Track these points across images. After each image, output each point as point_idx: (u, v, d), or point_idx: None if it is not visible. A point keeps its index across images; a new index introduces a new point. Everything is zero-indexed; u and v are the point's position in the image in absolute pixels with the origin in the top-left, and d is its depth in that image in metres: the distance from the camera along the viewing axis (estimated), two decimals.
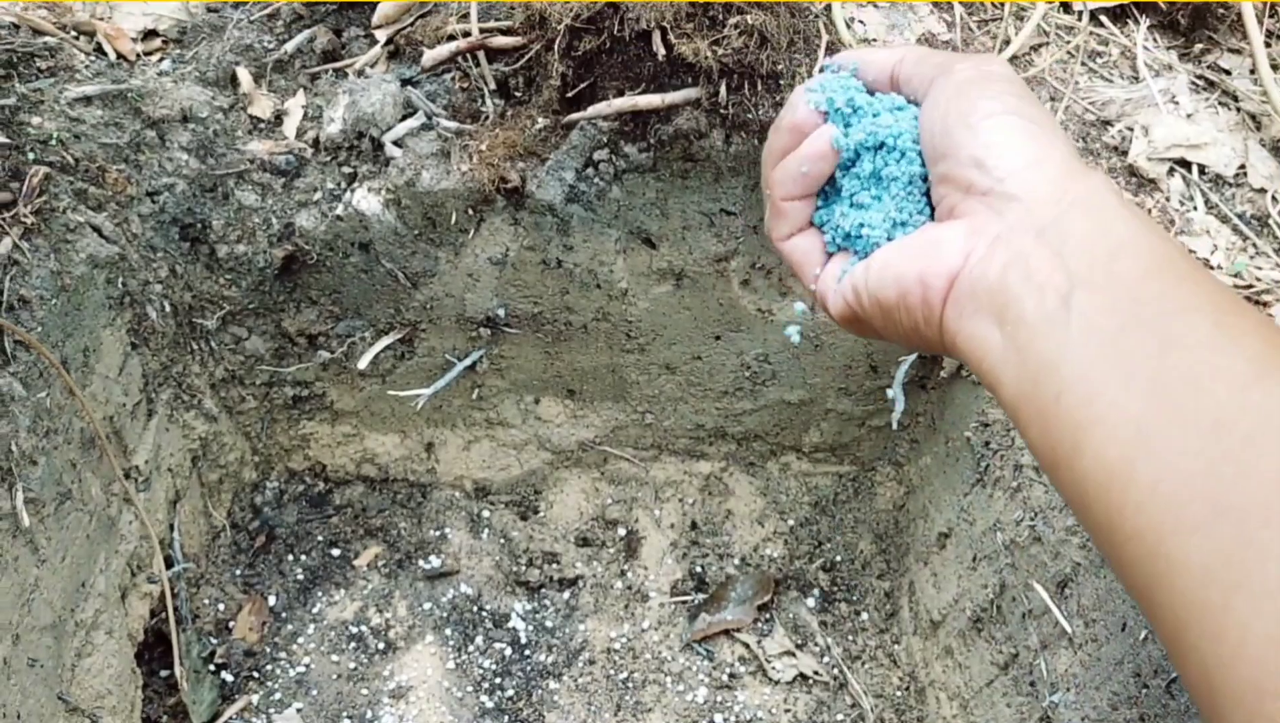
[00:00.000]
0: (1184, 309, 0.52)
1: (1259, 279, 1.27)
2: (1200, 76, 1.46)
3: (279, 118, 1.42)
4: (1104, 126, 1.39)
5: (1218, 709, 0.45)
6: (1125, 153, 1.36)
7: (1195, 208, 1.33)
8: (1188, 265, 0.55)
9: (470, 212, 1.41)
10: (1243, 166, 1.36)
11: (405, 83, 1.41)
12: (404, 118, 1.40)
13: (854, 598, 1.81)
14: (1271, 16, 1.49)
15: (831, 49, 1.35)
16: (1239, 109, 1.43)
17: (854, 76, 0.72)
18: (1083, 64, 1.44)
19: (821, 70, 0.75)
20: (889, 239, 0.66)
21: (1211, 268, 1.28)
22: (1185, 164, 1.37)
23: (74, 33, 1.37)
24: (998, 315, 0.57)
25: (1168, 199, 1.33)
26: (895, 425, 1.68)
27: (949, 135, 0.63)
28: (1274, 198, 1.33)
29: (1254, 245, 1.30)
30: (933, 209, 0.68)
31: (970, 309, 0.59)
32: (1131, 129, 1.38)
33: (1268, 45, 1.42)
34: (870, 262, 0.65)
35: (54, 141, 1.28)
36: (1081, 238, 0.56)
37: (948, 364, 1.59)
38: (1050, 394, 0.54)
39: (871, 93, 0.72)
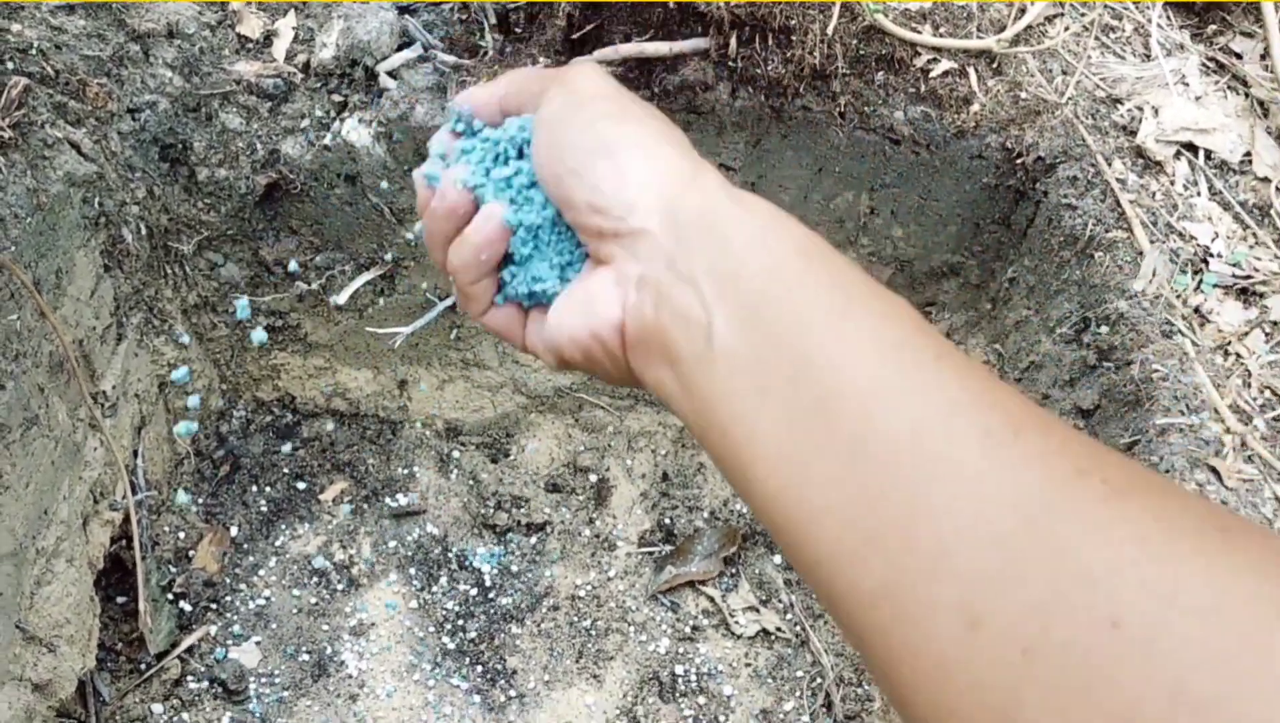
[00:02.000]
0: (802, 321, 0.51)
1: (1257, 269, 1.27)
2: (1211, 59, 1.44)
3: (268, 38, 1.36)
4: (1114, 105, 1.37)
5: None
6: (1134, 133, 1.35)
7: (1199, 193, 1.32)
8: (804, 261, 0.53)
9: None
10: (1248, 154, 1.35)
11: (403, 10, 1.35)
12: (400, 48, 1.35)
13: None
14: None
15: (847, 7, 1.31)
16: (1248, 94, 1.41)
17: (469, 120, 0.69)
18: (1096, 39, 1.42)
19: (448, 123, 0.70)
20: (564, 280, 0.65)
21: (1211, 256, 1.27)
22: (1192, 148, 1.35)
23: None
24: (666, 358, 0.56)
25: (1172, 183, 1.32)
26: None
27: (560, 185, 0.61)
28: (1277, 188, 1.32)
29: (1254, 235, 1.29)
30: None
31: (644, 355, 0.58)
32: (1141, 109, 1.36)
33: None
34: (547, 321, 0.64)
35: (34, 51, 1.22)
36: (706, 259, 0.54)
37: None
38: (717, 433, 0.53)
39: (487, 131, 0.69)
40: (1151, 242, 1.26)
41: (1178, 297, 1.23)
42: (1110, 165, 1.31)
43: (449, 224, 0.67)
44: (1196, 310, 1.22)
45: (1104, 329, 1.23)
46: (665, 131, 0.60)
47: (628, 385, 0.63)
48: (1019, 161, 1.36)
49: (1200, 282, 1.25)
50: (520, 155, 0.66)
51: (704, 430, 0.54)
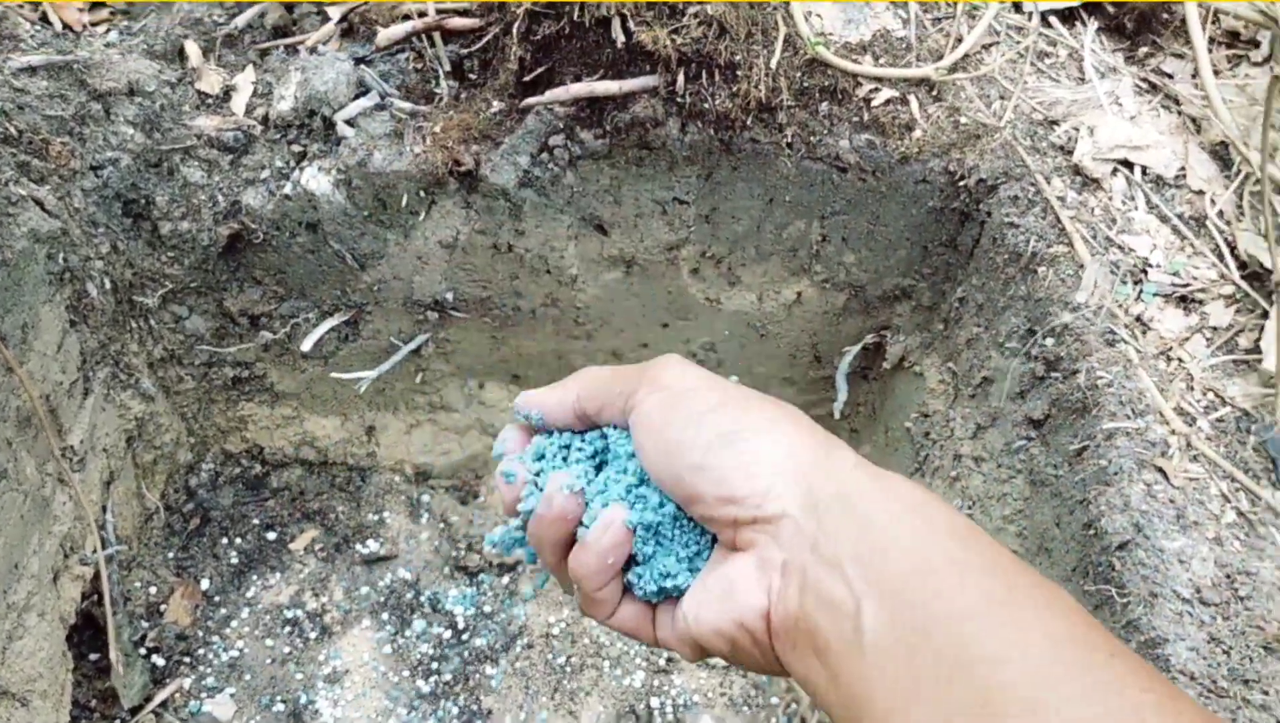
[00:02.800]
0: (957, 610, 0.49)
1: (1195, 278, 1.31)
2: (1144, 79, 1.50)
3: (228, 93, 1.39)
4: (1051, 126, 1.42)
5: None
6: (1071, 152, 1.39)
7: (1136, 208, 1.37)
8: (956, 544, 0.52)
9: (422, 194, 1.40)
10: (1183, 169, 1.40)
11: (359, 61, 1.39)
12: (357, 97, 1.38)
13: None
14: (1214, 22, 1.53)
15: (789, 42, 1.36)
16: (1180, 112, 1.46)
17: (539, 425, 0.69)
18: (1032, 64, 1.47)
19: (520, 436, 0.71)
20: (693, 571, 0.63)
21: (1150, 266, 1.31)
22: (1128, 164, 1.40)
23: (19, 2, 1.32)
24: (813, 647, 0.54)
25: (1110, 198, 1.37)
26: (837, 414, 1.70)
27: (681, 483, 0.60)
28: (1211, 200, 1.37)
29: (1191, 245, 1.33)
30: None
31: (790, 645, 0.56)
32: (1077, 129, 1.41)
33: (1210, 50, 1.46)
34: (685, 613, 0.62)
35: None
36: (850, 542, 0.53)
37: (890, 355, 1.61)
38: (865, 716, 0.51)
39: (559, 433, 0.70)
40: (1092, 255, 1.30)
41: (1120, 306, 1.27)
42: (1050, 184, 1.36)
43: (559, 529, 0.65)
44: (1138, 319, 1.26)
45: (1050, 341, 1.27)
46: (781, 411, 0.60)
47: (774, 673, 0.60)
48: (962, 184, 1.40)
49: (1141, 291, 1.29)
50: (618, 458, 0.66)
51: (849, 717, 0.52)
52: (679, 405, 0.60)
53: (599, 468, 0.67)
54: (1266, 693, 0.97)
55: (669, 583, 0.63)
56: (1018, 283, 1.34)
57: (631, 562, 0.64)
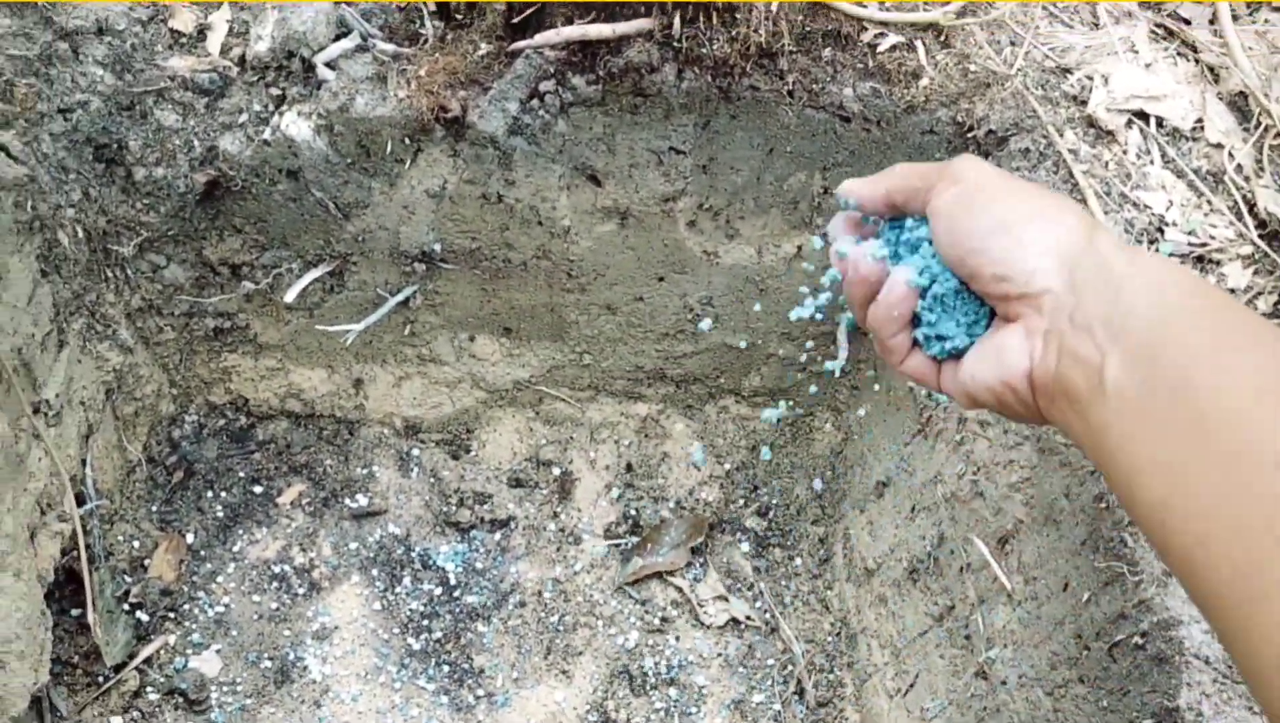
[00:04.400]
0: (1186, 354, 0.59)
1: (1213, 237, 1.25)
2: (1160, 25, 1.43)
3: (202, 33, 1.33)
4: (1063, 74, 1.35)
5: (1256, 686, 0.55)
6: (1084, 102, 1.33)
7: (1152, 162, 1.31)
8: (1192, 302, 0.62)
9: (407, 141, 1.34)
10: (1200, 120, 1.34)
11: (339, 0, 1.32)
12: (337, 38, 1.32)
13: (788, 543, 1.80)
14: None
15: None
16: (1198, 60, 1.40)
17: (857, 211, 0.83)
18: (1044, 8, 1.40)
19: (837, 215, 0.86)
20: (970, 338, 0.76)
21: (1166, 225, 1.26)
22: (1143, 116, 1.34)
23: None
24: (1068, 399, 0.65)
25: (1125, 151, 1.31)
26: (838, 371, 1.65)
27: (964, 264, 0.72)
28: (1230, 154, 1.31)
29: (1209, 202, 1.28)
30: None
31: (1050, 399, 0.67)
32: (1091, 78, 1.35)
33: None
34: (962, 371, 0.75)
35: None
36: (1101, 309, 0.64)
37: None
38: (1106, 455, 0.62)
39: (876, 221, 0.84)
40: (1106, 212, 1.24)
41: None
42: (1062, 136, 1.30)
43: (863, 289, 0.80)
44: None
45: None
46: (1057, 202, 0.71)
47: (1036, 423, 0.73)
48: (970, 135, 1.34)
49: (1156, 250, 1.24)
50: (920, 241, 0.78)
51: (1098, 457, 0.64)
52: (972, 198, 0.72)
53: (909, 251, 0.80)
54: None
55: (948, 345, 0.77)
56: None
57: (919, 324, 0.79)
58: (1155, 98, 1.34)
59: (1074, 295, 0.65)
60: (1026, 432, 1.25)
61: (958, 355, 0.78)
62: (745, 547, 1.78)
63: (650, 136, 1.36)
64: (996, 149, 1.32)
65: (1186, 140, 1.33)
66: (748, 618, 1.71)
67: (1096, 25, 1.41)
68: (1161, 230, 1.25)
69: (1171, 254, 1.24)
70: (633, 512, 1.80)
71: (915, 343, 0.81)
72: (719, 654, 1.69)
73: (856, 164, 1.40)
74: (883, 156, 1.38)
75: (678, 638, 1.70)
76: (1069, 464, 1.15)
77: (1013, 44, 1.37)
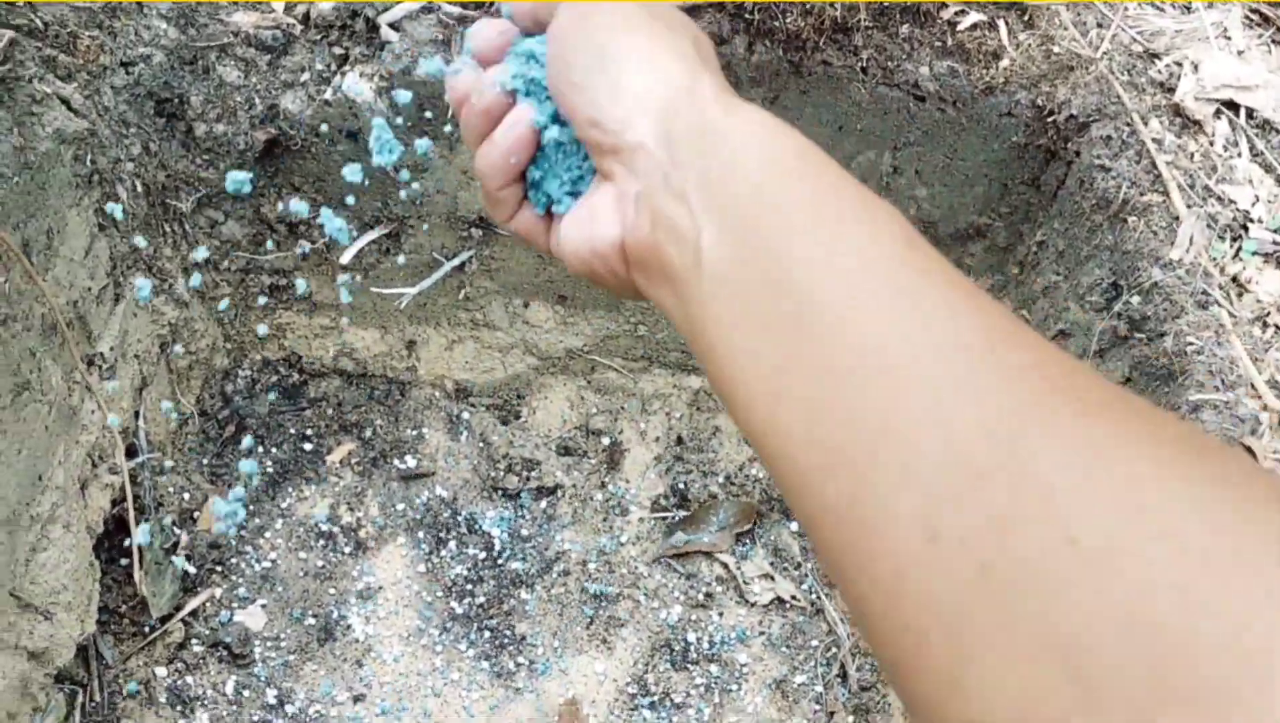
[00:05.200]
0: (788, 230, 0.49)
1: None
2: (1255, 11, 1.37)
3: None
4: (1151, 59, 1.30)
5: (871, 639, 0.45)
6: (1171, 90, 1.28)
7: (1239, 155, 1.26)
8: (796, 168, 0.51)
9: None
10: None
11: None
12: None
13: None
14: None
15: None
16: None
17: (509, 20, 0.67)
18: None
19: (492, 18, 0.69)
20: (574, 197, 0.64)
21: (1251, 221, 1.21)
22: (1233, 106, 1.28)
23: None
24: (663, 275, 0.55)
25: (1211, 142, 1.26)
26: None
27: (564, 100, 0.60)
28: None
29: None
30: None
31: (644, 273, 0.57)
32: (1180, 64, 1.29)
33: None
34: (560, 234, 0.64)
35: (21, 3, 1.17)
36: (696, 171, 0.53)
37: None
38: (705, 348, 0.52)
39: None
40: (1189, 206, 1.20)
41: (1215, 265, 1.17)
42: (1146, 124, 1.25)
43: (484, 123, 0.65)
44: (1234, 280, 1.16)
45: (1136, 298, 1.17)
46: (669, 39, 0.58)
47: (637, 299, 0.62)
48: (1050, 120, 1.29)
49: (1239, 249, 1.19)
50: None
51: (697, 348, 0.54)
52: (583, 21, 0.60)
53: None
54: None
55: (554, 206, 0.65)
56: (1104, 232, 1.24)
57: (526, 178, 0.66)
58: (1246, 87, 1.29)
59: (668, 152, 0.54)
60: None
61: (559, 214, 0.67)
62: (794, 526, 1.76)
63: None
64: (1077, 135, 1.28)
65: (1276, 133, 1.28)
66: (793, 598, 1.69)
67: (1188, 9, 1.35)
68: (1246, 227, 1.21)
69: (1255, 253, 1.19)
70: (681, 485, 1.78)
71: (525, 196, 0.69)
72: (762, 633, 1.67)
73: (929, 145, 1.36)
74: (957, 138, 1.34)
75: (721, 615, 1.68)
76: None
77: (1100, 25, 1.32)
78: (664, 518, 1.75)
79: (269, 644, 1.57)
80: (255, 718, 1.50)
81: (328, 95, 1.31)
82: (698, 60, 0.57)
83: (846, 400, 0.44)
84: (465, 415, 1.80)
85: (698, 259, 0.52)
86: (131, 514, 1.46)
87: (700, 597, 1.69)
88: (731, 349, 0.50)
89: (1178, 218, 1.19)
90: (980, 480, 0.40)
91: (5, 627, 1.22)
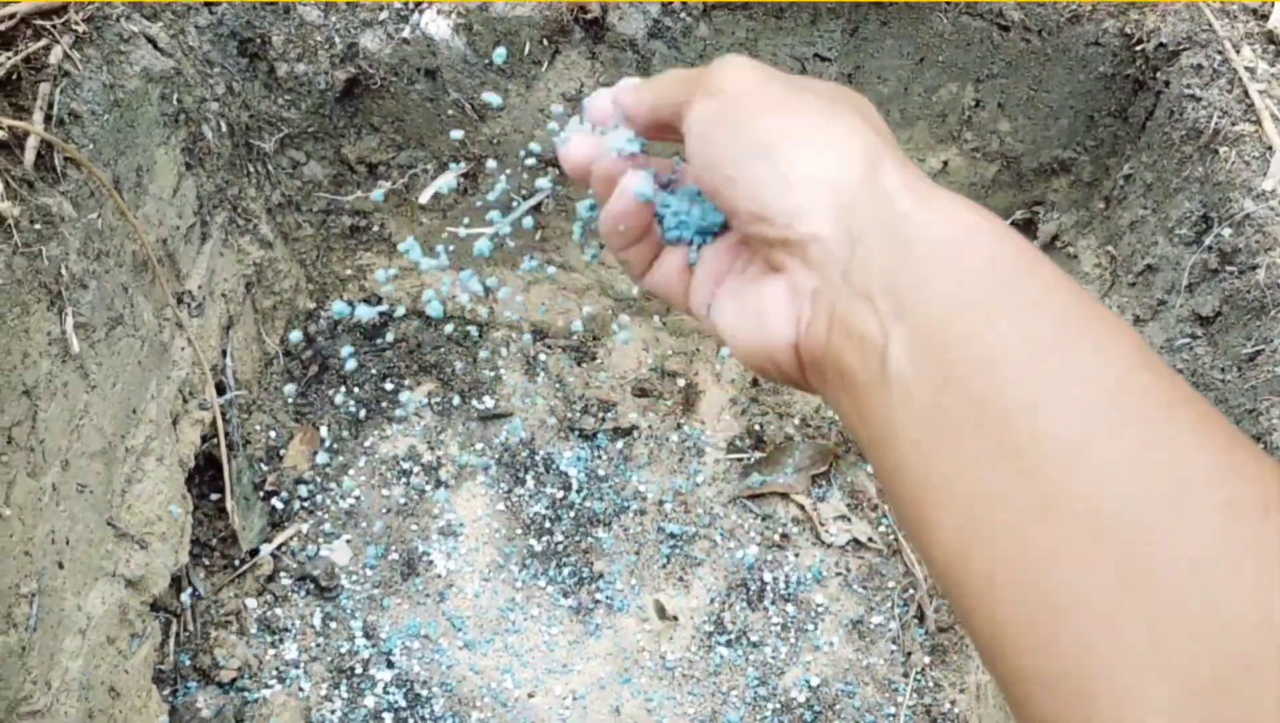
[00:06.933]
0: (994, 352, 0.43)
1: None
2: None
3: None
4: None
5: None
6: (1265, 17, 1.24)
7: None
8: (1006, 275, 0.45)
9: (545, 42, 1.32)
10: None
11: None
12: None
13: None
14: None
15: None
16: None
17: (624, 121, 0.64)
18: None
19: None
20: (704, 237, 0.62)
21: None
22: None
23: None
24: (841, 382, 0.50)
25: None
26: None
27: (719, 197, 0.55)
28: None
29: None
30: None
31: (820, 377, 0.52)
32: None
33: None
34: (723, 329, 0.59)
35: None
36: (885, 271, 0.47)
37: (1042, 234, 1.49)
38: (891, 467, 0.46)
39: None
40: None
41: None
42: (1239, 53, 1.21)
43: (603, 190, 0.63)
44: None
45: (1228, 231, 1.15)
46: (835, 116, 0.52)
47: (810, 393, 0.58)
48: (1138, 49, 1.26)
49: None
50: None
51: (879, 463, 0.48)
52: (726, 111, 0.54)
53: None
54: None
55: (693, 236, 0.62)
56: (1194, 163, 1.21)
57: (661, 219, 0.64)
58: None
59: (849, 247, 0.49)
60: (1180, 365, 1.19)
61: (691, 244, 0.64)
62: (869, 468, 1.75)
63: (795, 42, 1.31)
64: (1166, 64, 1.24)
65: None
66: (870, 540, 1.69)
67: None
68: None
69: None
70: (757, 427, 1.78)
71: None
72: (839, 574, 1.67)
73: (1013, 76, 1.34)
74: (1041, 69, 1.31)
75: (797, 555, 1.68)
76: (1225, 401, 1.10)
77: None
78: (740, 459, 1.75)
79: (354, 578, 1.61)
80: (343, 649, 1.54)
81: (406, 34, 1.31)
82: (875, 139, 0.51)
83: (1082, 558, 0.38)
84: (541, 357, 1.81)
85: (883, 370, 0.46)
86: (224, 449, 1.49)
87: (776, 537, 1.69)
88: (925, 474, 0.45)
89: (1271, 148, 1.16)
90: (1253, 671, 0.34)
91: (104, 555, 1.26)
